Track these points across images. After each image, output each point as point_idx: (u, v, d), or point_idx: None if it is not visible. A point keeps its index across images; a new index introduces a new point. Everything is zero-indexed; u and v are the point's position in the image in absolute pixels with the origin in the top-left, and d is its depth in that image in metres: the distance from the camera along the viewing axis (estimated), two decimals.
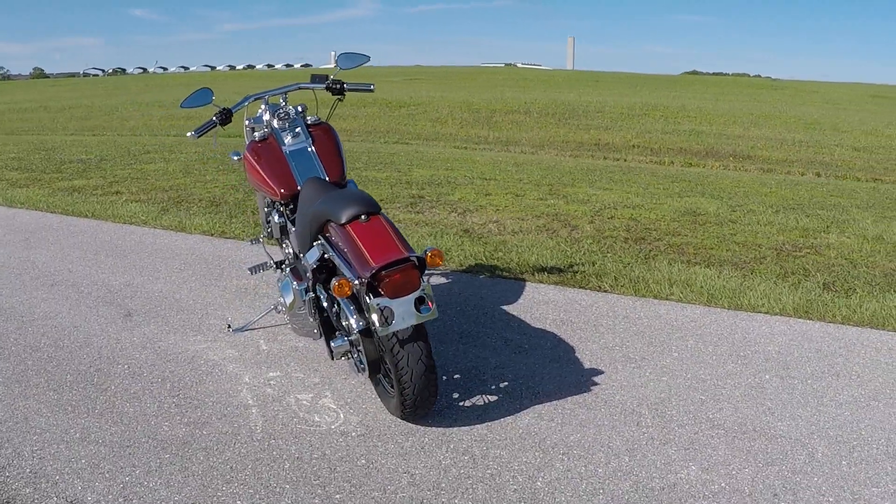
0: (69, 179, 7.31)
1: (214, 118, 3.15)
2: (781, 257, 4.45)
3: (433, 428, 2.50)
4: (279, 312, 3.40)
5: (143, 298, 3.82)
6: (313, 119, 3.30)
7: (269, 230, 3.81)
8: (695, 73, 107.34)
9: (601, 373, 2.93)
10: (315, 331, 2.85)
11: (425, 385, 2.31)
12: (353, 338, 2.46)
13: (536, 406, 2.65)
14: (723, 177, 8.38)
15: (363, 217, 2.32)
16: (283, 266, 3.32)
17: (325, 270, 2.67)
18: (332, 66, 3.62)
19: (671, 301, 3.72)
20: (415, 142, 13.33)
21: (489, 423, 2.53)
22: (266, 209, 3.40)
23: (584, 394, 2.75)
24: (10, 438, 2.46)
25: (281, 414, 2.61)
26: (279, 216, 3.18)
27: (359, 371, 2.63)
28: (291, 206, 3.18)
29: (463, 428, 2.50)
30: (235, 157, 3.62)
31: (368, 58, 3.32)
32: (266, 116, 3.31)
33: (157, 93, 32.08)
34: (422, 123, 16.33)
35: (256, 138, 3.22)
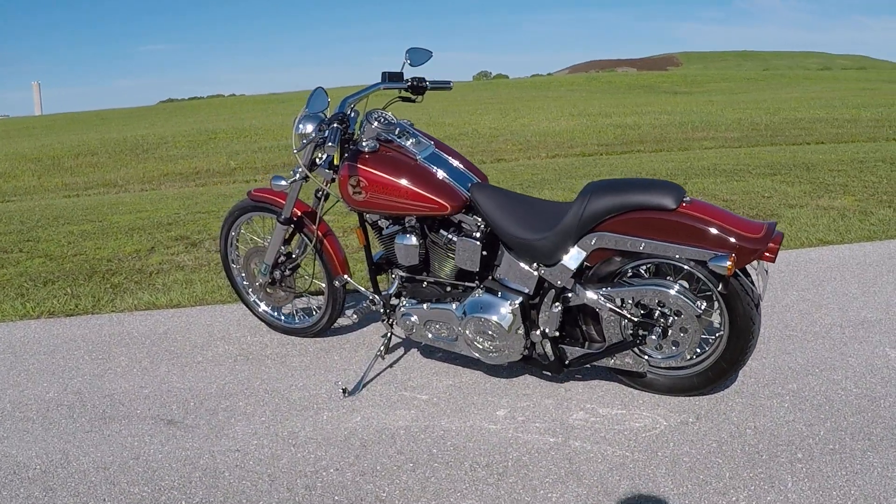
0: None
1: (336, 125, 2.53)
2: None
3: (737, 397, 2.54)
4: (384, 357, 2.86)
5: (145, 400, 2.66)
6: (407, 122, 2.85)
7: (288, 267, 3.07)
8: (171, 100, 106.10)
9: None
10: (526, 350, 2.56)
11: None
12: (679, 320, 2.33)
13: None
14: None
15: (687, 198, 2.28)
16: (389, 296, 2.79)
17: (577, 273, 2.44)
18: None
19: None
20: (11, 199, 10.71)
21: (777, 370, 2.70)
22: (380, 231, 2.79)
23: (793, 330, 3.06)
24: None
25: (606, 434, 2.31)
26: (416, 237, 2.65)
27: (625, 373, 2.53)
28: (423, 224, 2.69)
29: (749, 388, 2.60)
30: (283, 182, 2.85)
31: (432, 53, 2.99)
32: (335, 125, 2.73)
33: None
34: None
35: (366, 149, 2.63)
